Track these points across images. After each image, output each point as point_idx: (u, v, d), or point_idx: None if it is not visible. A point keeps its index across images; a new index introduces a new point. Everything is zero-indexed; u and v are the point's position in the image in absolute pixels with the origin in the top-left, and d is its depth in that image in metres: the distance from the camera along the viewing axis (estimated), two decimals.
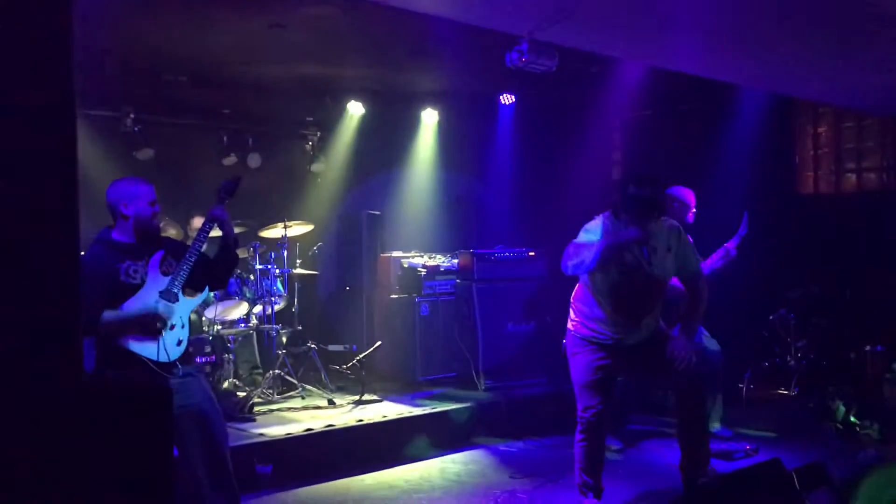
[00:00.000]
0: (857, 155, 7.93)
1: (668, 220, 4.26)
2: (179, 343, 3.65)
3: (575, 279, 4.34)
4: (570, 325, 4.32)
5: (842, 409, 5.52)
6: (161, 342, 3.55)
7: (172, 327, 3.61)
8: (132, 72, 7.02)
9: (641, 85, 7.28)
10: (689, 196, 5.37)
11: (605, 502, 4.32)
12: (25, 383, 1.69)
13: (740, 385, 6.75)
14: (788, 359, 6.95)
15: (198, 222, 7.00)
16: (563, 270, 4.13)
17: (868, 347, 6.47)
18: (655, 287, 4.16)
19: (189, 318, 3.74)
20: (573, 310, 4.32)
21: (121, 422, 1.79)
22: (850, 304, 7.19)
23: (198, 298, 3.85)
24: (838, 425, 5.47)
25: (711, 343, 5.54)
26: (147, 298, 3.56)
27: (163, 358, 3.55)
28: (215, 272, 3.93)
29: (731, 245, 5.37)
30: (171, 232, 6.50)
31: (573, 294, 4.35)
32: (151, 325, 3.53)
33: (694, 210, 5.37)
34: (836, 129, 8.06)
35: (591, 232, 4.11)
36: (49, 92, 1.74)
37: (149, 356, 3.52)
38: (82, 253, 3.60)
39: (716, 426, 5.62)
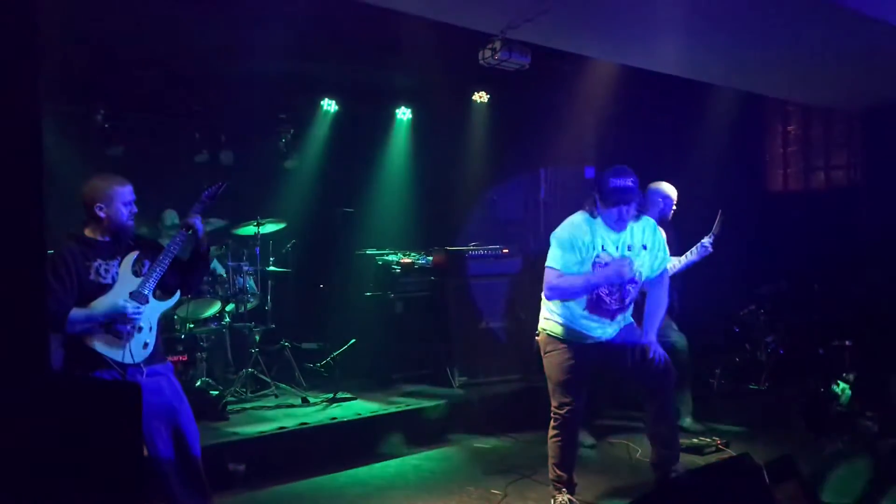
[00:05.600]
0: (825, 153, 8.05)
1: (644, 218, 4.29)
2: (146, 346, 3.61)
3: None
4: (542, 323, 4.33)
5: (847, 392, 5.48)
6: (127, 344, 3.52)
7: (140, 329, 3.58)
8: (104, 68, 6.94)
9: (615, 83, 7.32)
10: (672, 191, 5.44)
11: (577, 497, 4.35)
12: None
13: (711, 380, 6.83)
14: (758, 354, 7.04)
15: (169, 216, 6.94)
16: (547, 299, 4.21)
17: (836, 342, 6.57)
18: (630, 285, 4.18)
19: (158, 320, 3.71)
20: (546, 308, 4.33)
21: (87, 420, 1.78)
22: (818, 300, 7.28)
23: (168, 302, 3.81)
24: (838, 407, 5.40)
25: (680, 337, 5.58)
26: (116, 299, 3.53)
27: (127, 360, 3.52)
28: (187, 277, 3.91)
29: (706, 243, 5.43)
30: (143, 230, 6.42)
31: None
32: (118, 326, 3.50)
33: (675, 206, 5.43)
34: (804, 128, 8.17)
35: (566, 249, 4.08)
36: (13, 89, 1.72)
37: (113, 357, 3.49)
38: (52, 251, 3.56)
39: (686, 421, 5.67)
